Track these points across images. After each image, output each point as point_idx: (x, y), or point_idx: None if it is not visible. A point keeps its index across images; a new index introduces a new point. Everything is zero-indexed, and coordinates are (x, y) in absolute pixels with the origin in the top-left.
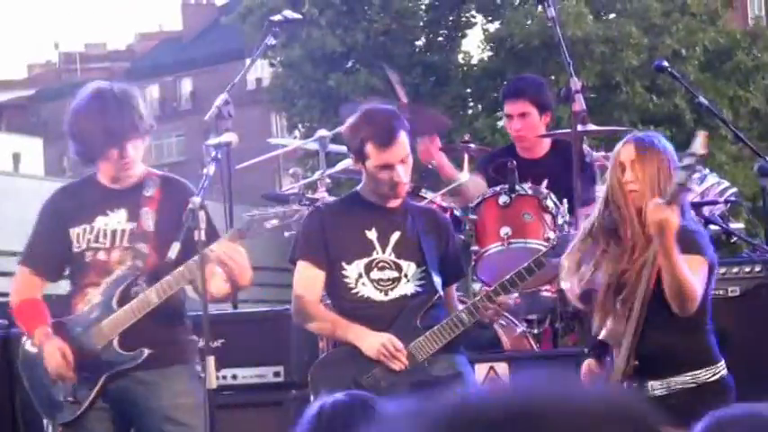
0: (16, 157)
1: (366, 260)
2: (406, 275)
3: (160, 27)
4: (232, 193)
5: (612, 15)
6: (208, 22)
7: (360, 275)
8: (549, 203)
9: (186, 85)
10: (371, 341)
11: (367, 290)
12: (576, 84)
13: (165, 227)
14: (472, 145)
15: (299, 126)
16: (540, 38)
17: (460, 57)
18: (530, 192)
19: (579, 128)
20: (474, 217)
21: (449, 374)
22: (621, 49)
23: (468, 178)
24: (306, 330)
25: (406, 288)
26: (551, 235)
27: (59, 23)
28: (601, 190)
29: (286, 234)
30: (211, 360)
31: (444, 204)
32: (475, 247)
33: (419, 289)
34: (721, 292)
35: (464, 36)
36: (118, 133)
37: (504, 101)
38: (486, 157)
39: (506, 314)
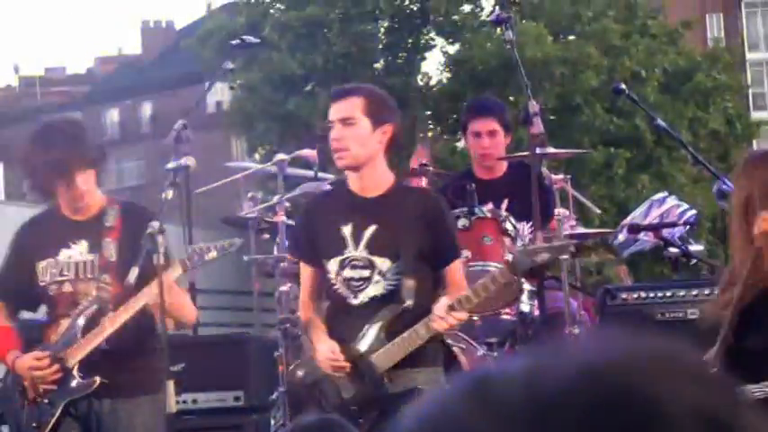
0: None
1: (340, 258)
2: (380, 272)
3: (120, 50)
4: (191, 216)
5: (572, 37)
6: (167, 45)
7: (337, 273)
8: (509, 226)
9: (146, 109)
10: (320, 350)
11: (342, 289)
12: (534, 106)
13: (127, 255)
14: (430, 168)
15: (259, 149)
16: (499, 59)
17: (420, 79)
18: (489, 215)
19: (538, 150)
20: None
21: (406, 390)
22: (582, 70)
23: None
24: (266, 355)
25: (377, 288)
26: (510, 257)
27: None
28: (560, 212)
29: (245, 258)
30: (171, 384)
31: None
32: None
33: (390, 287)
34: (680, 314)
35: (423, 59)
36: (63, 166)
37: (471, 119)
38: (445, 184)
39: (462, 335)
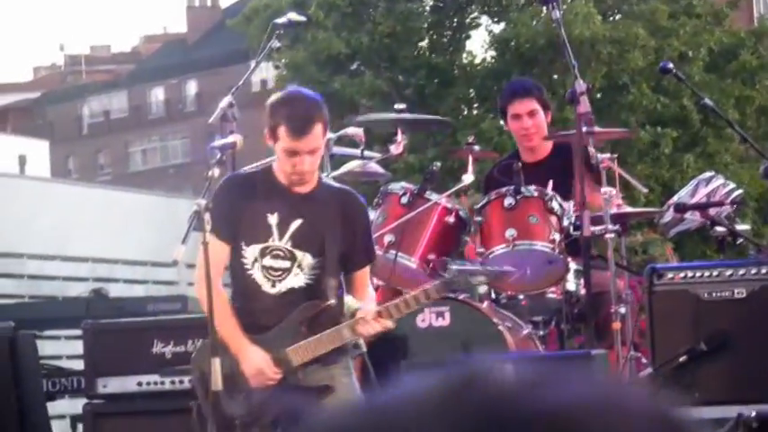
0: (22, 160)
1: (262, 245)
2: (299, 266)
3: (165, 29)
4: None
5: (619, 16)
6: (212, 24)
7: (255, 260)
8: (555, 205)
9: (191, 88)
10: (250, 359)
11: (258, 275)
12: (581, 85)
13: None
14: (477, 147)
15: None
16: (545, 38)
17: (464, 57)
18: (535, 194)
19: (584, 129)
20: (479, 219)
21: (320, 386)
22: (628, 50)
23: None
24: None
25: (296, 281)
26: (557, 236)
27: (64, 26)
28: (607, 191)
29: None
30: (217, 362)
31: (449, 206)
32: (480, 249)
33: (309, 282)
34: (727, 293)
35: (468, 37)
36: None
37: (510, 102)
38: (494, 165)
39: (508, 314)
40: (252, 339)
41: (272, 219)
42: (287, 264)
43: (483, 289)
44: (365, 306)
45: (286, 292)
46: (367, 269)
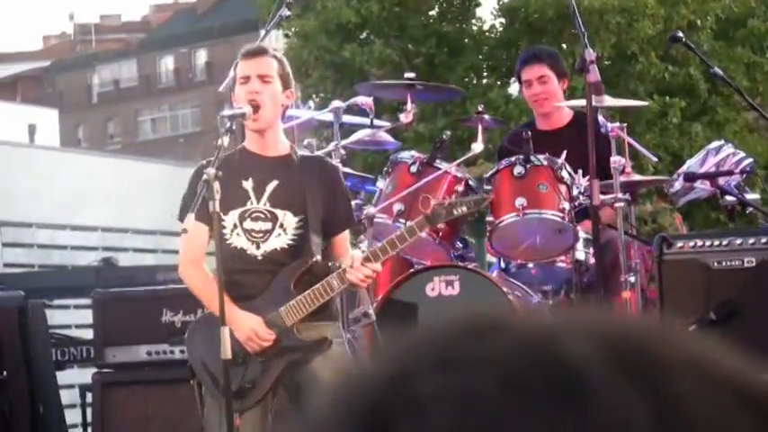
0: (32, 129)
1: (240, 210)
2: (281, 225)
3: None
4: None
5: None
6: None
7: (235, 226)
8: (564, 174)
9: (201, 57)
10: (241, 325)
11: (240, 240)
12: (590, 54)
13: None
14: (486, 116)
15: (314, 97)
16: (554, 8)
17: (474, 23)
18: (545, 162)
19: (594, 99)
20: (489, 188)
21: (316, 340)
22: (637, 19)
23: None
24: None
25: (279, 241)
26: (566, 206)
27: None
28: (617, 161)
29: None
30: (226, 330)
31: (459, 175)
32: (490, 218)
33: (292, 242)
34: (737, 262)
35: (478, 5)
36: None
37: (522, 68)
38: (507, 135)
39: (518, 283)
40: (242, 308)
41: (247, 184)
42: (268, 225)
43: (493, 258)
44: (356, 253)
45: (270, 253)
46: (347, 233)
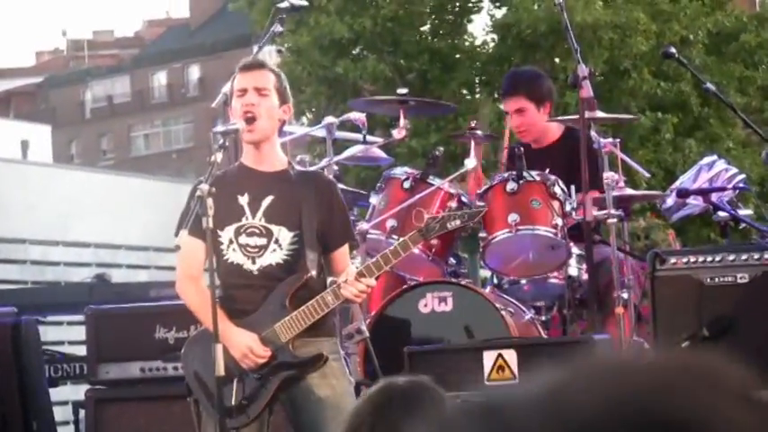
0: (24, 145)
1: (236, 225)
2: (276, 241)
3: (167, 14)
4: None
5: (620, 1)
6: (215, 8)
7: (230, 241)
8: (557, 190)
9: (194, 72)
10: (237, 342)
11: (236, 255)
12: (583, 70)
13: None
14: (479, 132)
15: (307, 113)
16: (547, 24)
17: (465, 38)
18: (537, 178)
19: (587, 114)
20: (482, 204)
21: (311, 356)
22: (630, 35)
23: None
24: None
25: (274, 256)
26: (559, 221)
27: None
28: (610, 176)
29: None
30: (219, 347)
31: (452, 191)
32: (483, 234)
33: (287, 257)
34: (730, 278)
35: (470, 21)
36: None
37: (502, 96)
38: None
39: (510, 299)
40: (237, 324)
41: (243, 199)
42: (263, 240)
43: (486, 273)
44: (350, 268)
45: (266, 268)
46: (346, 249)
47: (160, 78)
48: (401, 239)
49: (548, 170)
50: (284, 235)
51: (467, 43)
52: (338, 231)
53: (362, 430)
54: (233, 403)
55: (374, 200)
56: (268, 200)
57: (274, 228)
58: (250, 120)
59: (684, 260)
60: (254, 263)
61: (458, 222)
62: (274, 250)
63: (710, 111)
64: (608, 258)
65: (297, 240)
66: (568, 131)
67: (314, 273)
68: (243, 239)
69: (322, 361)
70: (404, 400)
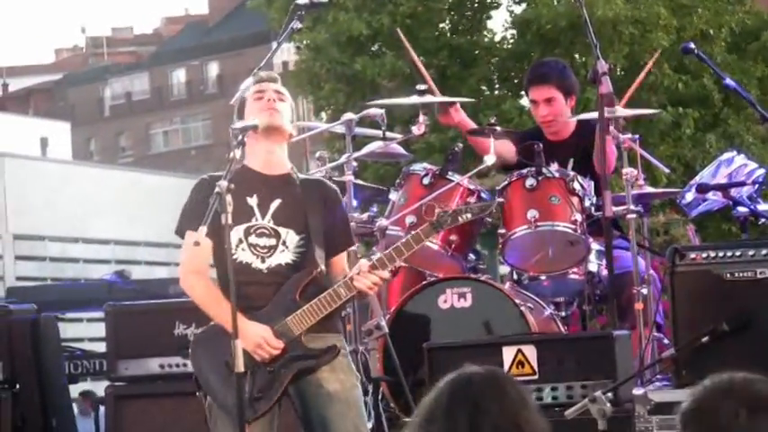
0: (44, 142)
1: (245, 226)
2: (284, 243)
3: (186, 11)
4: None
5: None
6: (233, 5)
7: (240, 241)
8: (576, 186)
9: (212, 69)
10: (250, 333)
11: (246, 255)
12: (602, 66)
13: None
14: (498, 127)
15: (326, 109)
16: (567, 19)
17: (485, 34)
18: (556, 174)
19: (606, 110)
20: (501, 200)
21: (324, 348)
22: (650, 30)
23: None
24: None
25: (283, 257)
26: (578, 217)
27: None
28: (628, 172)
29: None
30: (239, 343)
31: (471, 187)
32: (502, 230)
33: (297, 258)
34: (749, 273)
35: (489, 17)
36: None
37: (529, 87)
38: (515, 138)
39: (530, 294)
40: (249, 318)
41: (252, 200)
42: (272, 241)
43: (505, 270)
44: (362, 261)
45: (275, 267)
46: (345, 255)
47: (179, 75)
48: (413, 232)
49: (570, 162)
50: (291, 237)
51: (486, 39)
52: (339, 238)
53: (438, 414)
54: (245, 397)
55: (393, 196)
56: (276, 203)
57: (282, 230)
58: (273, 110)
59: (704, 255)
60: (263, 262)
61: (469, 215)
62: (283, 251)
63: (730, 109)
64: (630, 272)
65: (304, 243)
66: (581, 124)
67: (323, 267)
68: (253, 239)
69: (335, 352)
70: (484, 383)
